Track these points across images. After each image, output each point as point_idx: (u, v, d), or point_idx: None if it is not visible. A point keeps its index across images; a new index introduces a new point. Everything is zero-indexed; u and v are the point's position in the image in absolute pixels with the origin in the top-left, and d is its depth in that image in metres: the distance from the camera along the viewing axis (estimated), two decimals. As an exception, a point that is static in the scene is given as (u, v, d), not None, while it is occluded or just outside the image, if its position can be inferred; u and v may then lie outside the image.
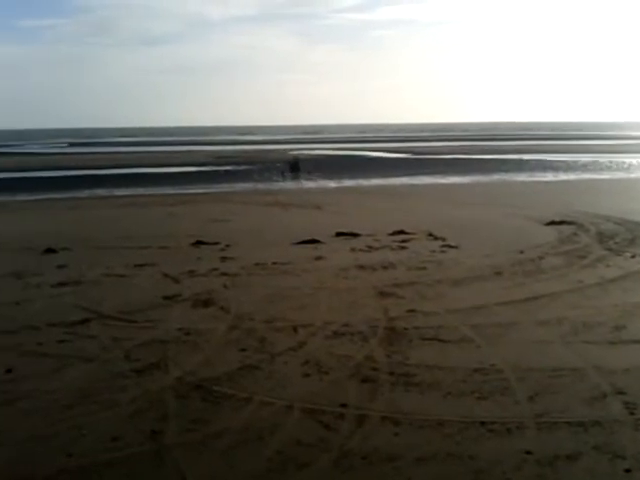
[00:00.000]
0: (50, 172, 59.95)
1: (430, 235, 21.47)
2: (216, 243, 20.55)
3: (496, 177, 49.79)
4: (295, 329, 11.65)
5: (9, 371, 9.89)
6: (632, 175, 49.81)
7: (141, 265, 17.45)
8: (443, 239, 20.73)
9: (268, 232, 22.93)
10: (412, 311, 12.66)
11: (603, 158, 68.73)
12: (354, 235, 21.61)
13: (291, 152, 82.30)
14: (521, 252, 18.55)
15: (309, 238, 20.82)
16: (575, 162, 64.17)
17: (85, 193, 41.53)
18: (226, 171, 59.49)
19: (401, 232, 21.91)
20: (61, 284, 15.41)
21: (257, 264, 17.27)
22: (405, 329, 11.56)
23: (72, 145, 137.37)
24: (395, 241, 20.63)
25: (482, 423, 7.98)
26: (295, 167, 59.40)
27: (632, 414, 8.16)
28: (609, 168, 56.76)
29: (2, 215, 30.35)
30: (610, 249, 18.96)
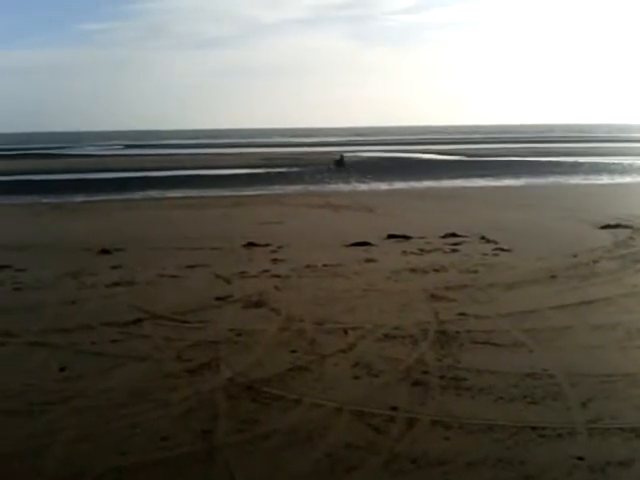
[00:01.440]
0: (106, 174, 60.84)
1: (482, 238, 21.28)
2: (267, 245, 20.64)
3: (550, 179, 49.19)
4: (345, 331, 11.65)
5: (63, 369, 10.05)
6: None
7: (194, 266, 17.61)
8: (495, 242, 20.54)
9: (319, 234, 22.95)
10: (463, 314, 12.57)
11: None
12: (405, 237, 21.53)
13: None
14: (575, 256, 18.29)
15: (360, 240, 20.80)
16: (631, 165, 63.05)
17: (139, 194, 42.04)
18: (278, 173, 59.69)
19: (453, 235, 21.77)
20: (115, 284, 15.63)
21: (308, 266, 17.30)
22: (456, 332, 11.48)
23: (127, 147, 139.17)
24: (447, 244, 20.50)
25: (533, 428, 7.89)
26: (340, 162, 68.88)
27: (688, 422, 8.00)
28: (667, 171, 55.65)
29: (59, 216, 30.87)
30: (667, 253, 18.61)
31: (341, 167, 66.23)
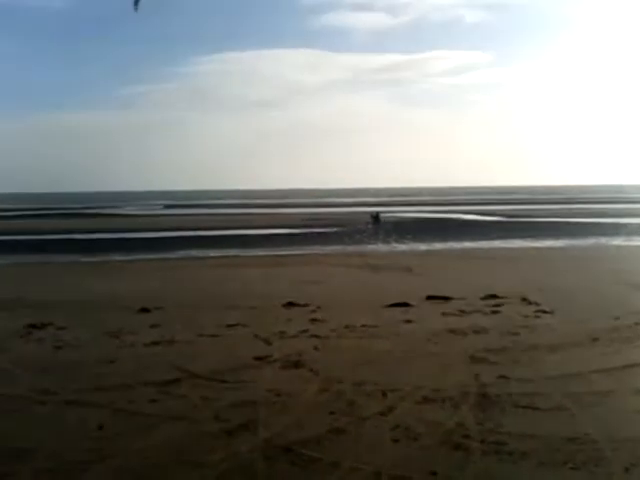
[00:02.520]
0: (146, 233, 61.59)
1: (523, 299, 21.04)
2: (307, 305, 20.59)
3: (591, 241, 48.73)
4: (384, 393, 11.51)
5: (101, 428, 10.04)
6: None
7: (233, 325, 17.61)
8: (537, 304, 20.28)
9: (358, 294, 22.89)
10: (504, 377, 12.37)
11: None
12: (445, 299, 21.36)
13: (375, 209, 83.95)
14: (617, 318, 17.98)
15: (399, 301, 20.67)
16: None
17: (179, 254, 42.39)
18: (317, 233, 59.91)
19: (493, 296, 21.55)
20: (154, 343, 15.66)
21: (347, 326, 17.22)
22: (497, 396, 11.29)
23: (168, 207, 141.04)
24: (487, 305, 20.29)
25: (577, 495, 7.68)
26: (376, 219, 75.03)
27: None
28: None
29: (99, 275, 31.19)
30: None
31: (377, 224, 70.72)
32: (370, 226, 68.03)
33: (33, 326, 17.79)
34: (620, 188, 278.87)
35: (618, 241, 48.22)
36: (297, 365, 13.49)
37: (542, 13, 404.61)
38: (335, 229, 64.58)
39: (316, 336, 16.18)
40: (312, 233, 59.96)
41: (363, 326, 17.28)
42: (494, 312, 19.24)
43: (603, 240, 49.13)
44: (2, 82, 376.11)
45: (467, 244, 47.16)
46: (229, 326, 17.54)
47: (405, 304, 20.43)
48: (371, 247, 46.26)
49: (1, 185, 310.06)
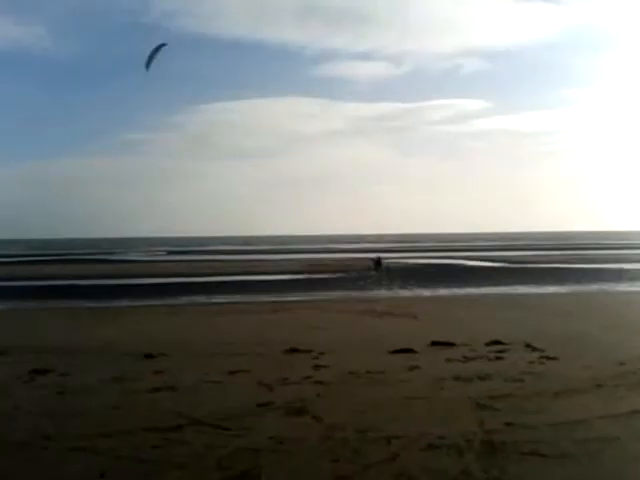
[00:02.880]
0: (149, 279, 61.61)
1: (527, 346, 20.96)
2: (310, 351, 20.52)
3: (595, 287, 48.66)
4: (388, 440, 11.43)
5: (102, 476, 9.97)
6: None
7: (236, 372, 17.54)
8: (541, 350, 20.20)
9: (362, 340, 22.83)
10: (510, 424, 12.28)
11: None
12: (449, 345, 21.29)
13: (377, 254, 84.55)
14: (622, 364, 17.89)
15: (403, 347, 20.61)
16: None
17: (183, 300, 42.37)
18: (319, 279, 59.94)
19: (497, 342, 21.48)
20: (158, 389, 15.59)
21: (351, 373, 17.14)
22: (503, 443, 11.20)
23: (170, 253, 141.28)
24: (491, 351, 20.21)
25: None
26: (378, 264, 75.96)
27: None
28: None
29: (102, 321, 31.15)
30: None
31: (379, 269, 72.20)
32: (372, 272, 68.25)
33: (36, 371, 17.75)
34: (624, 234, 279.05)
35: (622, 287, 48.15)
36: (300, 412, 13.42)
37: (540, 62, 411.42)
38: (338, 275, 64.62)
39: (319, 382, 16.11)
40: (314, 279, 59.98)
41: (367, 372, 17.20)
42: (498, 358, 19.17)
43: (607, 286, 49.07)
44: (5, 129, 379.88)
45: (471, 290, 47.12)
46: (232, 372, 17.47)
47: (409, 350, 20.37)
48: (374, 293, 46.24)
49: (4, 231, 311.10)
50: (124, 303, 40.76)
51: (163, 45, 33.60)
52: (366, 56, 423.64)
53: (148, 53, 33.46)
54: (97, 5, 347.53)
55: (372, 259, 79.53)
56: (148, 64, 33.36)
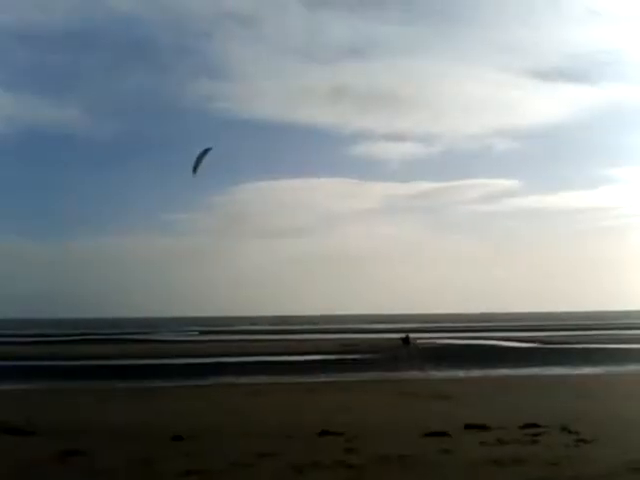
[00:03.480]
0: (181, 359, 61.64)
1: (563, 428, 20.52)
2: (341, 433, 20.24)
3: (630, 367, 47.84)
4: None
5: None
6: None
7: (266, 454, 17.29)
8: (577, 432, 19.76)
9: (394, 422, 22.51)
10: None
11: None
12: (483, 427, 20.90)
13: (406, 333, 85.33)
14: (662, 449, 17.45)
15: (436, 430, 20.27)
16: None
17: (214, 380, 42.25)
18: (351, 359, 59.55)
19: (533, 425, 21.06)
20: (187, 473, 15.40)
21: (383, 456, 16.85)
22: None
23: (203, 333, 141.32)
24: (526, 434, 19.80)
25: None
26: (406, 341, 78.48)
27: None
28: None
29: (133, 400, 31.10)
30: None
31: (407, 346, 74.85)
32: (402, 350, 67.84)
33: (66, 453, 17.64)
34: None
35: (659, 368, 47.26)
36: (332, 496, 13.18)
37: (572, 141, 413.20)
38: (369, 355, 64.17)
39: (351, 467, 15.83)
40: (346, 359, 59.61)
41: (400, 456, 16.89)
42: (533, 442, 18.76)
43: (644, 367, 48.20)
44: (42, 207, 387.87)
45: (505, 371, 46.53)
46: (262, 455, 17.24)
47: (442, 433, 20.01)
48: (406, 374, 45.78)
49: (39, 310, 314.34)
50: (155, 383, 40.73)
51: (209, 150, 34.94)
52: (398, 136, 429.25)
53: (196, 157, 34.90)
54: (134, 88, 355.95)
55: (400, 337, 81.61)
56: (195, 168, 34.77)
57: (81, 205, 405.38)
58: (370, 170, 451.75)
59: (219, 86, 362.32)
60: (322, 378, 42.39)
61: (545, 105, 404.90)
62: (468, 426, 21.09)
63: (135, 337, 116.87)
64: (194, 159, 35.06)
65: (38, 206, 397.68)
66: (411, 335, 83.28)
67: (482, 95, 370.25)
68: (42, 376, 46.51)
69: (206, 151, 34.94)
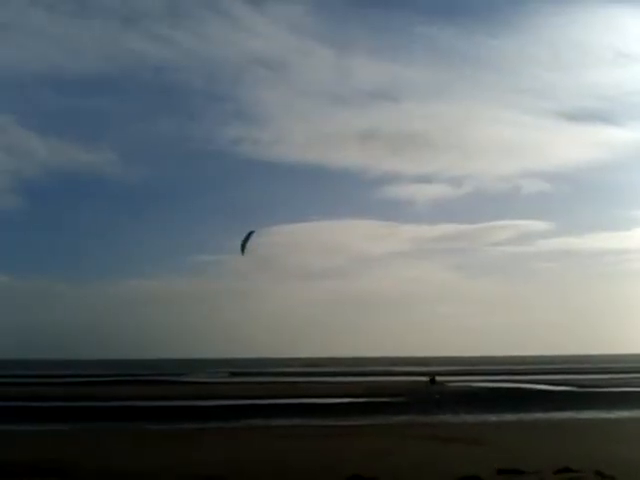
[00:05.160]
0: (212, 401, 61.55)
1: (598, 473, 20.27)
2: (374, 478, 20.15)
3: (667, 411, 47.05)
4: None
5: None
6: None
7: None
8: (612, 477, 19.53)
9: (427, 467, 22.35)
10: None
11: None
12: (518, 472, 20.68)
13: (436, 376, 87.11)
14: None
15: (469, 474, 20.12)
16: None
17: (244, 423, 42.17)
18: (382, 402, 59.14)
19: (567, 469, 20.83)
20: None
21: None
22: None
23: (233, 374, 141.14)
24: (561, 479, 19.61)
25: None
26: (433, 382, 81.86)
27: None
28: None
29: (166, 443, 31.13)
30: None
31: (433, 386, 78.05)
32: (430, 390, 67.41)
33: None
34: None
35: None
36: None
37: (601, 182, 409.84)
38: (399, 398, 63.67)
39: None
40: (377, 402, 59.21)
41: (433, 500, 16.80)
42: (568, 487, 18.57)
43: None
44: (76, 250, 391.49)
45: (538, 415, 45.96)
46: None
47: (477, 478, 19.86)
48: (437, 417, 45.37)
49: (70, 352, 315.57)
50: (186, 425, 40.73)
51: (252, 232, 37.59)
52: (426, 178, 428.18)
53: (242, 240, 37.73)
54: (165, 132, 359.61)
55: (427, 379, 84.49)
56: (243, 249, 37.62)
57: (113, 247, 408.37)
58: (399, 212, 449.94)
59: (248, 130, 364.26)
60: (352, 421, 42.12)
61: (573, 146, 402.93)
62: (501, 471, 20.89)
63: (167, 379, 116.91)
64: (241, 241, 37.96)
65: (69, 248, 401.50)
66: (438, 377, 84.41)
67: (510, 137, 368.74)
68: (72, 417, 46.76)
69: (250, 235, 37.70)
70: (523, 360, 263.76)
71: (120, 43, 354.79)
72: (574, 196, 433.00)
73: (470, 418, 44.62)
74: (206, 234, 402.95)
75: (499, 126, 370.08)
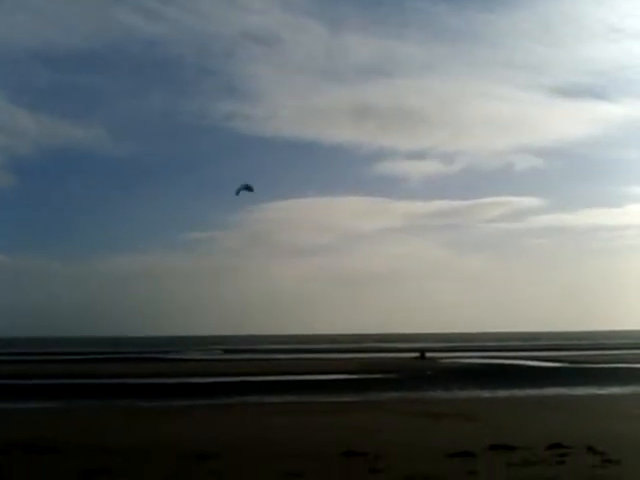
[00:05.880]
0: (205, 378, 61.65)
1: (589, 448, 20.32)
2: (366, 454, 20.15)
3: (659, 387, 47.31)
4: None
5: None
6: None
7: (291, 475, 17.28)
8: (603, 453, 19.56)
9: (419, 442, 22.38)
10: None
11: None
12: (509, 448, 20.72)
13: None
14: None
15: (462, 450, 20.14)
16: None
17: (237, 399, 42.24)
18: (374, 379, 59.32)
19: (559, 445, 20.88)
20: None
21: (408, 477, 16.76)
22: None
23: (226, 352, 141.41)
24: (553, 455, 19.63)
25: None
26: (423, 356, 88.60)
27: None
28: None
29: (156, 419, 31.14)
30: None
31: (424, 361, 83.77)
32: (428, 372, 67.24)
33: (89, 471, 17.69)
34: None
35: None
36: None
37: (594, 158, 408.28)
38: (392, 375, 63.86)
39: (376, 487, 15.77)
40: (369, 379, 59.38)
41: (425, 477, 16.81)
42: (560, 462, 18.60)
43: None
44: (64, 227, 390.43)
45: (529, 391, 46.13)
46: (288, 475, 17.22)
47: (468, 453, 19.88)
48: (430, 393, 45.53)
49: (61, 329, 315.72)
50: (179, 402, 40.76)
51: (251, 190, 37.50)
52: (419, 154, 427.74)
53: (240, 186, 37.64)
54: (156, 108, 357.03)
55: (417, 355, 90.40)
56: (238, 192, 37.55)
57: (103, 224, 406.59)
58: (392, 188, 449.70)
59: (241, 106, 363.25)
60: (345, 398, 42.23)
61: (567, 122, 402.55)
62: (494, 446, 20.93)
63: (159, 356, 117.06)
64: (240, 185, 37.84)
65: (61, 225, 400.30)
66: (429, 354, 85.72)
67: (503, 113, 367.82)
68: (66, 395, 46.75)
69: (248, 188, 37.56)
70: (515, 336, 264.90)
71: (111, 17, 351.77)
72: (567, 172, 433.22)
73: (462, 394, 44.76)
74: (198, 211, 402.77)
75: (493, 102, 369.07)
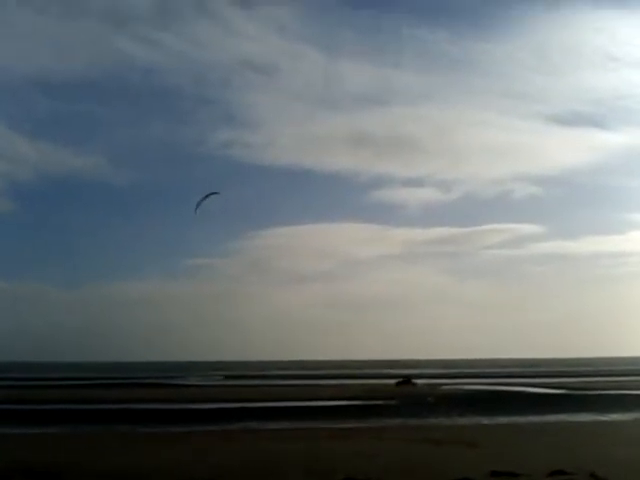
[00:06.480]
0: (206, 404, 61.45)
1: (592, 475, 20.30)
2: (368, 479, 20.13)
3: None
4: None
5: None
6: None
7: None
8: (605, 479, 19.56)
9: (419, 469, 22.32)
10: None
11: None
12: (511, 475, 20.68)
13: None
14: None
15: (462, 476, 20.12)
16: None
17: (237, 425, 42.06)
18: (375, 405, 59.16)
19: (561, 472, 20.84)
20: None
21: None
22: None
23: (227, 377, 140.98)
24: (555, 482, 19.62)
25: None
26: (407, 382, 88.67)
27: None
28: None
29: (159, 445, 31.04)
30: None
31: (407, 385, 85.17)
32: (429, 399, 66.83)
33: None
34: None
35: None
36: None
37: (592, 186, 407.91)
38: (393, 401, 63.67)
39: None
40: (369, 405, 59.22)
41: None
42: (562, 489, 18.58)
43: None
44: (65, 254, 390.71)
45: (530, 418, 45.98)
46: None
47: (469, 480, 19.86)
48: (432, 421, 45.36)
49: (63, 354, 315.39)
50: (179, 428, 40.62)
51: (214, 193, 36.90)
52: (416, 182, 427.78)
53: (200, 199, 36.98)
54: (154, 136, 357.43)
55: (399, 380, 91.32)
56: (196, 208, 36.94)
57: (103, 251, 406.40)
58: (390, 215, 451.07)
59: (239, 134, 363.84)
60: (344, 424, 42.06)
61: (565, 150, 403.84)
62: (495, 473, 20.89)
63: (160, 381, 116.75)
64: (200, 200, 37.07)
65: (61, 251, 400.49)
66: (411, 375, 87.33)
67: (501, 141, 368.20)
68: (67, 420, 46.62)
69: (209, 195, 37.03)
70: (516, 363, 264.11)
71: (109, 46, 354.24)
72: (565, 200, 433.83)
73: (463, 421, 44.61)
74: (198, 237, 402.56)
75: (490, 130, 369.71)
